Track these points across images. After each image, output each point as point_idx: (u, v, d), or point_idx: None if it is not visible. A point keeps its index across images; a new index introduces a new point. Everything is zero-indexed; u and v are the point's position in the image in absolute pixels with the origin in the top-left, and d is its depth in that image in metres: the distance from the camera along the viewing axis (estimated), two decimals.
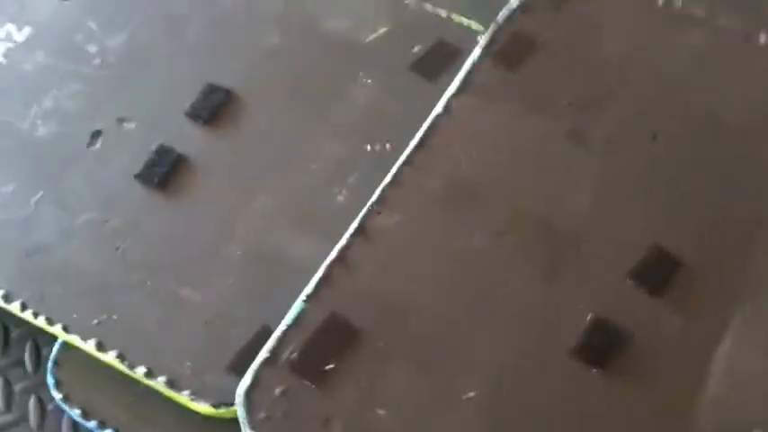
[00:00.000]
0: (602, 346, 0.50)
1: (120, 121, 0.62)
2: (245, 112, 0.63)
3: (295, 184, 0.59)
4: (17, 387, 0.58)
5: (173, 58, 0.65)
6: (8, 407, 0.58)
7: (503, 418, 0.48)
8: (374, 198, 0.55)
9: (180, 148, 0.61)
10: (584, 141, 0.57)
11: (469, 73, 0.59)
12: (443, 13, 0.66)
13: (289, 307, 0.53)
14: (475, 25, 0.65)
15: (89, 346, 0.54)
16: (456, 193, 0.55)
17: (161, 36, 0.67)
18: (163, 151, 0.60)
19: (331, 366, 0.49)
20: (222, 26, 0.67)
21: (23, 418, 0.57)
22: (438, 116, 0.58)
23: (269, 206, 0.58)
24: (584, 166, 0.56)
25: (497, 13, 0.63)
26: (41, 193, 0.60)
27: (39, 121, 0.63)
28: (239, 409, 0.49)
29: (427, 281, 0.52)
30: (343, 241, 0.53)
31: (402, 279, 0.52)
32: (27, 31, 0.68)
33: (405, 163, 0.56)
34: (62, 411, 0.55)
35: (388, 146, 0.60)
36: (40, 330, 0.56)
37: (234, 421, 0.50)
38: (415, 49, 0.64)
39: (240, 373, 0.51)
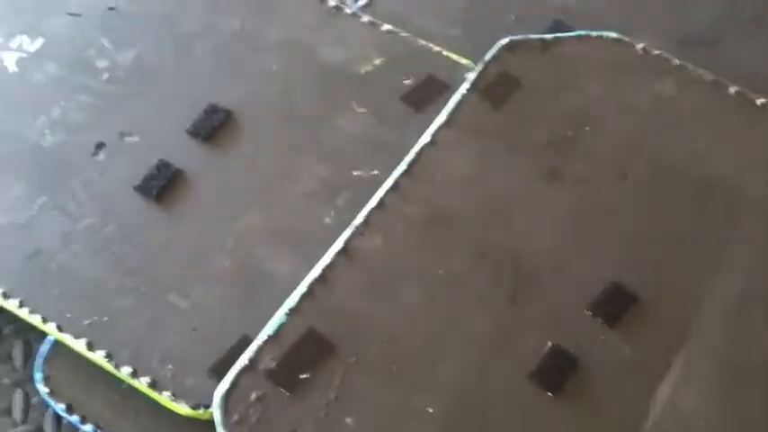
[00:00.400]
0: (557, 372, 0.53)
1: (124, 134, 0.66)
2: (242, 132, 0.66)
3: (284, 204, 0.62)
4: (4, 381, 0.61)
5: (178, 77, 0.69)
6: None
7: None
8: (359, 220, 0.58)
9: (178, 163, 0.64)
10: (558, 179, 0.60)
11: (457, 107, 0.63)
12: (435, 48, 0.70)
13: (269, 319, 0.56)
14: (465, 61, 0.69)
15: (80, 345, 0.57)
16: (435, 220, 0.58)
17: (168, 56, 0.70)
18: (162, 166, 0.64)
19: (305, 376, 0.52)
20: (226, 50, 0.70)
21: (8, 411, 0.60)
22: (424, 146, 0.61)
23: (258, 223, 0.61)
24: (555, 204, 0.59)
25: (487, 51, 0.67)
26: (45, 198, 0.63)
27: (46, 131, 0.66)
28: (215, 411, 0.52)
29: (402, 301, 0.55)
30: (326, 260, 0.56)
31: (379, 298, 0.55)
32: (39, 42, 0.72)
33: (390, 189, 0.59)
34: (46, 406, 0.58)
35: (375, 171, 0.63)
36: (32, 328, 0.59)
37: (211, 423, 0.53)
38: (407, 81, 0.68)
39: (220, 377, 0.54)
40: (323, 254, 0.59)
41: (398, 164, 0.62)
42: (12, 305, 0.59)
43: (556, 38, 0.66)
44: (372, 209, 0.58)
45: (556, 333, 0.54)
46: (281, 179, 0.64)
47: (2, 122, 0.67)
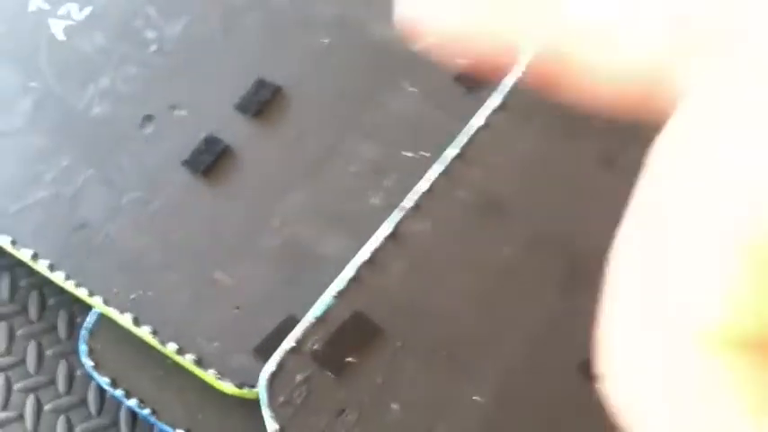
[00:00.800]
0: None
1: (172, 107, 0.65)
2: (290, 109, 0.65)
3: (331, 183, 0.61)
4: (49, 352, 0.61)
5: (226, 50, 0.68)
6: (38, 369, 0.60)
7: (505, 423, 0.50)
8: (409, 203, 0.57)
9: (227, 138, 0.63)
10: (617, 166, 0.59)
11: (512, 89, 0.61)
12: None
13: (315, 300, 0.55)
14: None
15: (125, 320, 0.56)
16: (486, 206, 0.57)
17: (217, 28, 0.69)
18: (210, 140, 0.63)
19: (351, 360, 0.52)
20: (277, 23, 0.69)
21: (52, 381, 0.60)
22: (478, 129, 0.60)
23: (305, 202, 0.61)
24: (614, 192, 0.57)
25: None
26: (92, 170, 0.63)
27: (94, 101, 0.66)
28: (261, 392, 0.51)
29: (451, 288, 0.54)
30: (375, 243, 0.55)
31: (427, 284, 0.54)
32: (87, 11, 0.71)
33: (442, 172, 0.58)
34: (90, 379, 0.58)
35: (425, 153, 0.62)
36: (77, 300, 0.59)
37: (254, 402, 0.53)
38: (461, 61, 0.66)
39: (265, 357, 0.54)
40: (370, 235, 0.58)
41: (450, 146, 0.61)
42: (58, 278, 0.58)
43: None
44: (423, 192, 0.57)
45: None
46: (328, 158, 0.63)
47: (51, 91, 0.67)
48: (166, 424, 0.56)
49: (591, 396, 0.50)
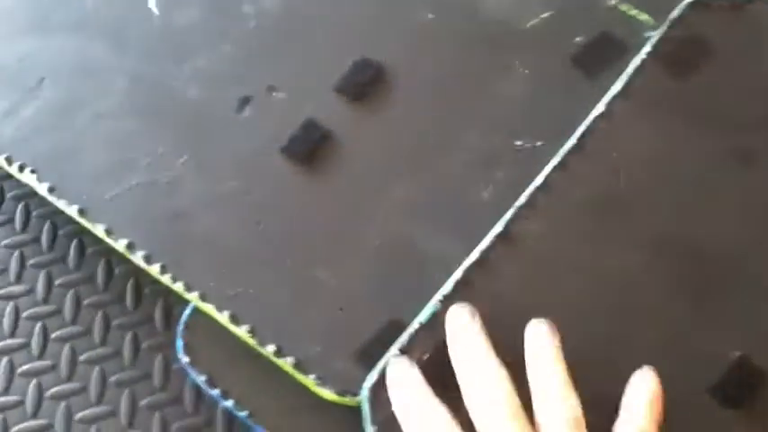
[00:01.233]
0: (743, 387, 0.47)
1: (271, 89, 0.62)
2: (393, 91, 0.61)
3: (439, 174, 0.57)
4: (144, 344, 0.60)
5: (327, 25, 0.64)
6: (134, 362, 0.59)
7: None
8: (522, 201, 0.53)
9: (326, 124, 0.60)
10: (753, 162, 0.53)
11: (634, 75, 0.56)
12: (611, 2, 0.63)
13: (420, 303, 0.52)
14: (645, 18, 0.61)
15: (223, 318, 0.54)
16: (608, 204, 0.52)
17: (316, 2, 0.65)
18: (310, 126, 0.60)
19: None
20: None
21: (148, 375, 0.58)
22: (596, 119, 0.55)
23: (410, 194, 0.57)
24: (749, 192, 0.52)
25: (672, 7, 0.59)
26: (187, 156, 0.60)
27: (191, 82, 0.63)
28: (364, 405, 0.48)
29: (567, 295, 0.50)
30: (485, 243, 0.51)
31: (541, 290, 0.50)
32: None
33: (557, 167, 0.53)
34: (186, 374, 0.56)
35: (539, 143, 0.58)
36: (173, 290, 0.56)
37: (356, 409, 0.50)
38: (578, 40, 0.61)
39: (367, 362, 0.51)
40: (479, 232, 0.54)
41: (566, 135, 0.56)
42: (154, 270, 0.56)
43: None
44: (537, 189, 0.53)
45: (745, 343, 0.48)
46: (435, 147, 0.59)
47: (146, 71, 0.64)
48: (265, 428, 0.53)
49: (724, 425, 0.46)
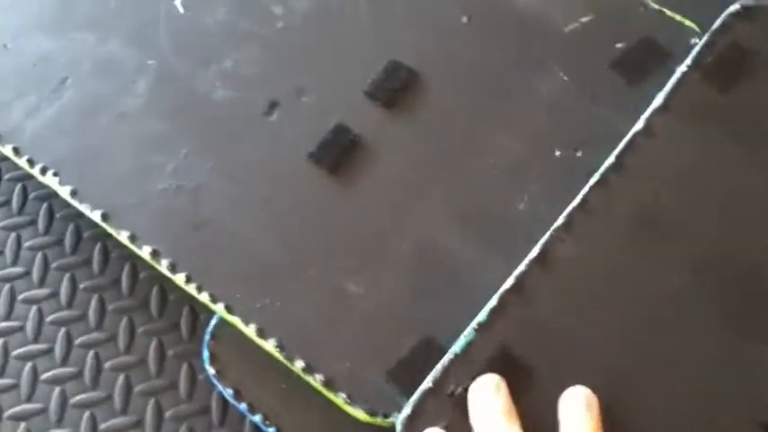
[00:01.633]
0: None
1: (299, 92, 0.60)
2: (425, 95, 0.59)
3: (472, 184, 0.56)
4: (170, 352, 0.58)
5: (359, 28, 0.62)
6: (159, 372, 0.58)
7: None
8: (559, 222, 0.51)
9: (356, 129, 0.58)
10: None
11: (676, 88, 0.54)
12: (654, 6, 0.60)
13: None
14: (689, 24, 0.59)
15: (250, 331, 0.53)
16: (650, 226, 0.50)
17: (347, 3, 0.63)
18: (339, 131, 0.58)
19: None
20: None
21: (173, 385, 0.57)
22: (637, 135, 0.53)
23: (444, 204, 0.55)
24: None
25: (719, 13, 0.57)
26: (213, 161, 0.58)
27: (217, 83, 0.61)
28: None
29: (607, 321, 0.48)
30: (521, 268, 0.49)
31: (582, 317, 0.48)
32: None
33: (596, 185, 0.51)
34: (212, 385, 0.55)
35: (578, 153, 0.56)
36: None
37: (386, 429, 0.49)
38: (619, 45, 0.59)
39: (398, 381, 0.50)
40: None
41: (606, 145, 0.54)
42: (179, 279, 0.55)
43: None
44: (575, 208, 0.51)
45: None
46: (470, 154, 0.57)
47: (170, 70, 0.63)
48: None
49: None
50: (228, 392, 0.54)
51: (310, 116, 0.59)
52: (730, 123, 0.52)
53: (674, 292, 0.48)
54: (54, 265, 0.62)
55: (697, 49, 0.54)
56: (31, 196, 0.65)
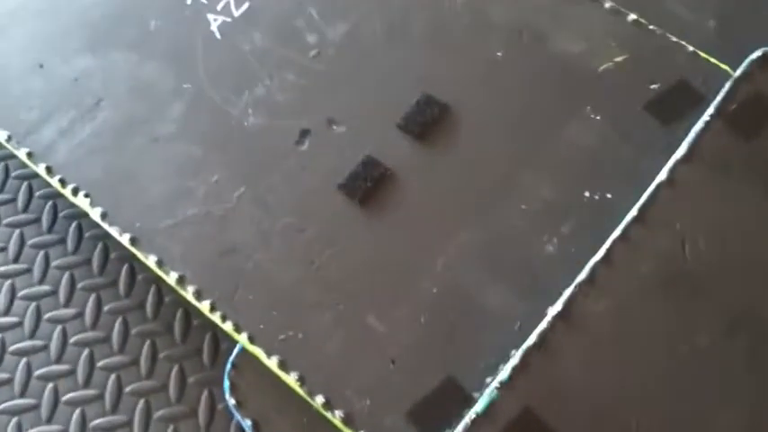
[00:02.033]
0: None
1: (331, 122, 0.60)
2: (458, 131, 0.59)
3: (502, 224, 0.55)
4: (191, 379, 0.58)
5: (392, 59, 0.62)
6: (180, 398, 0.58)
7: None
8: (582, 277, 0.50)
9: (387, 161, 0.58)
10: None
11: (699, 137, 0.53)
12: (689, 48, 0.60)
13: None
14: (724, 67, 0.58)
15: (272, 363, 0.53)
16: (677, 281, 0.49)
17: (382, 33, 0.63)
18: (369, 163, 0.58)
19: None
20: (446, 29, 0.63)
21: (193, 412, 0.57)
22: (660, 186, 0.52)
23: (472, 243, 0.55)
24: None
25: (747, 52, 0.56)
26: (243, 188, 0.59)
27: (250, 110, 0.61)
28: None
29: (638, 383, 0.47)
30: (543, 324, 0.49)
31: (608, 378, 0.47)
32: (245, 5, 0.66)
33: (619, 238, 0.50)
34: (231, 416, 0.55)
35: (609, 195, 0.55)
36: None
37: None
38: (653, 87, 0.58)
39: (419, 422, 0.49)
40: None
41: (638, 188, 0.54)
42: (204, 307, 0.55)
43: None
44: (598, 262, 0.50)
45: None
46: (499, 193, 0.56)
47: (205, 95, 0.63)
48: None
49: None
50: (247, 424, 0.53)
51: (341, 146, 0.59)
52: (755, 173, 0.52)
53: (706, 352, 0.47)
54: (81, 285, 0.62)
55: (720, 96, 0.54)
56: (61, 215, 0.65)
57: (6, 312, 0.61)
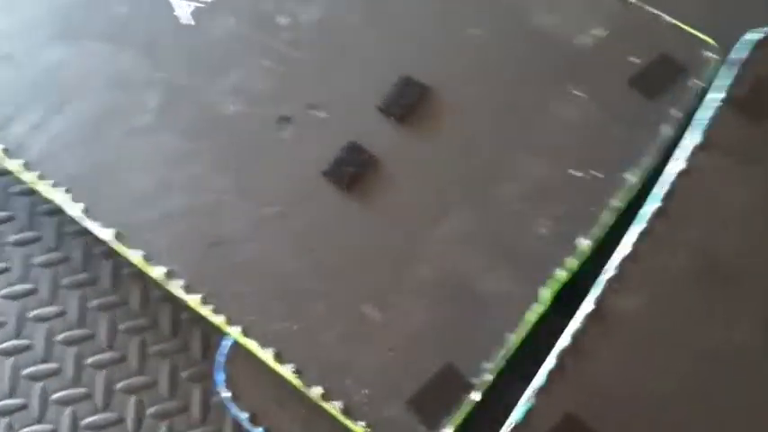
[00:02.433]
0: None
1: (311, 107, 0.59)
2: (440, 112, 0.58)
3: (492, 206, 0.55)
4: (183, 374, 0.58)
5: (369, 41, 0.61)
6: (172, 394, 0.57)
7: None
8: (611, 273, 0.49)
9: (371, 147, 0.57)
10: None
11: (713, 123, 0.52)
12: (669, 20, 0.60)
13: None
14: (704, 38, 0.58)
15: (267, 355, 0.52)
16: (708, 273, 0.48)
17: (359, 14, 0.62)
18: (353, 149, 0.57)
19: None
20: (422, 9, 0.62)
21: (186, 407, 0.57)
22: (680, 175, 0.51)
23: (463, 227, 0.55)
24: None
25: (731, 25, 0.56)
26: (228, 178, 0.58)
27: (227, 98, 0.60)
28: None
29: (679, 380, 0.46)
30: (576, 324, 0.48)
31: (649, 376, 0.46)
32: None
33: (644, 232, 0.50)
34: (227, 409, 0.54)
35: (597, 173, 0.55)
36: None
37: None
38: (635, 60, 0.58)
39: (420, 410, 0.49)
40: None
41: (627, 165, 0.54)
42: (194, 301, 0.54)
43: None
44: (625, 258, 0.49)
45: None
46: (488, 176, 0.56)
47: (180, 85, 0.61)
48: None
49: None
50: (244, 416, 0.53)
51: (324, 132, 0.58)
52: None
53: (744, 347, 0.46)
54: (64, 281, 0.61)
55: (728, 81, 0.53)
56: (39, 210, 0.64)
57: None
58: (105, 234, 0.57)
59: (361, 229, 0.55)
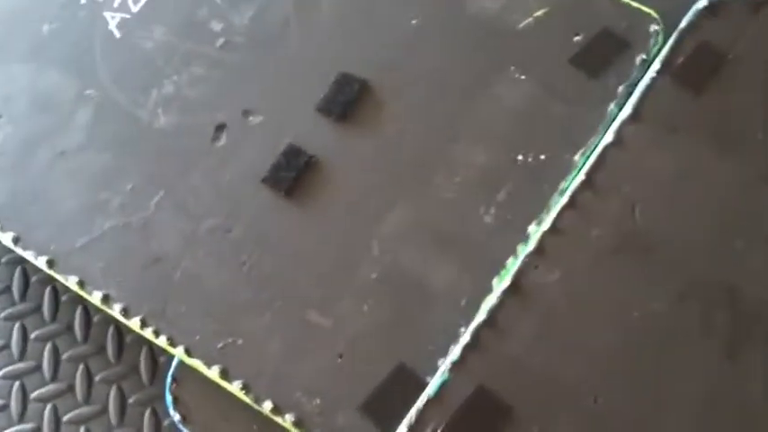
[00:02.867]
0: None
1: (246, 113, 0.57)
2: (380, 108, 0.56)
3: (436, 198, 0.53)
4: (132, 399, 0.55)
5: (304, 40, 0.59)
6: (122, 420, 0.55)
7: None
8: (531, 248, 0.48)
9: (310, 148, 0.55)
10: None
11: (645, 95, 0.51)
12: None
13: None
14: (647, 11, 0.56)
15: (212, 373, 0.50)
16: (627, 246, 0.47)
17: (293, 14, 0.60)
18: (291, 152, 0.55)
19: None
20: (356, 2, 0.60)
21: None
22: (607, 148, 0.50)
23: (407, 223, 0.52)
24: None
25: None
26: (161, 193, 0.55)
27: (159, 110, 0.58)
28: None
29: (592, 351, 0.45)
30: (493, 300, 0.47)
31: (562, 348, 0.45)
32: (143, 0, 0.63)
33: (567, 205, 0.48)
34: (178, 431, 0.52)
35: (542, 156, 0.53)
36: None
37: None
38: (577, 39, 0.56)
39: (375, 414, 0.47)
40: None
41: (571, 146, 0.52)
42: (134, 324, 0.52)
43: None
44: (545, 233, 0.48)
45: None
46: (430, 166, 0.54)
47: (110, 99, 0.59)
48: None
49: None
50: None
51: (260, 138, 0.56)
52: (705, 130, 0.50)
53: (659, 318, 0.45)
54: (2, 315, 0.59)
55: (665, 51, 0.52)
56: None
57: None
58: (39, 262, 0.54)
59: (302, 234, 0.53)
